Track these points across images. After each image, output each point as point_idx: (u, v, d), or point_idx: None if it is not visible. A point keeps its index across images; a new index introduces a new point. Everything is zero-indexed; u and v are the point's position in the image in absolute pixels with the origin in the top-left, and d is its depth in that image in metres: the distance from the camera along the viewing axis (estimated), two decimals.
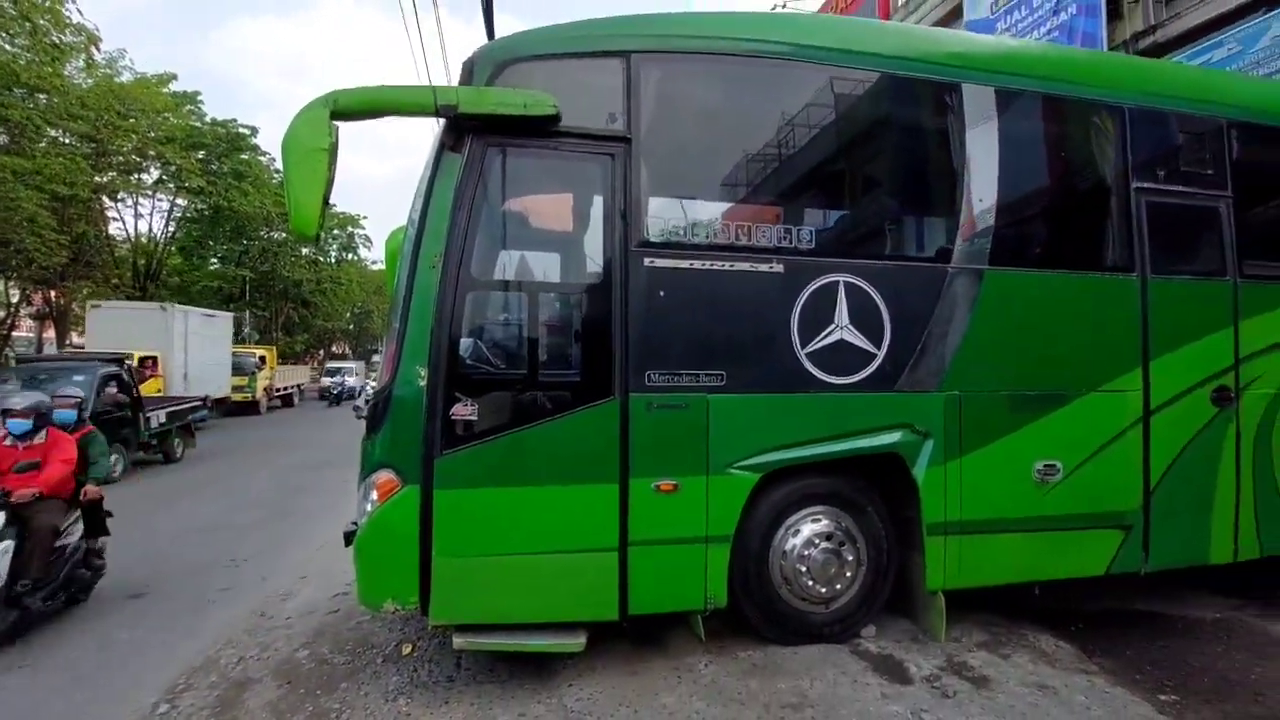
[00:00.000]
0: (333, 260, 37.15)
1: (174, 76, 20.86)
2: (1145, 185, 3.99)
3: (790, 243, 3.50)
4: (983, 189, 3.76)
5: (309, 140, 2.83)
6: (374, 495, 3.10)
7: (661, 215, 3.37)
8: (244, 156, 23.19)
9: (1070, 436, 3.78)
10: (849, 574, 3.58)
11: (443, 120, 3.22)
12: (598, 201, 3.34)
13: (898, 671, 3.36)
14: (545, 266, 3.45)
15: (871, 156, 4.00)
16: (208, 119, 21.87)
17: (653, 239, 3.31)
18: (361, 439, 3.48)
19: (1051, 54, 5.09)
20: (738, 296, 3.39)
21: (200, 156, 21.35)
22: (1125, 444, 3.85)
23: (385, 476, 3.09)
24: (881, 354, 3.54)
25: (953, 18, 13.35)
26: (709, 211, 3.52)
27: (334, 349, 46.90)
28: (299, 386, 26.39)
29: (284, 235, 29.72)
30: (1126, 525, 3.86)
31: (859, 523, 3.62)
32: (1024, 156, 3.97)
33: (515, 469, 3.14)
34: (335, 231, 35.88)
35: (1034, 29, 11.25)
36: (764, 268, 3.43)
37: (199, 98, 21.60)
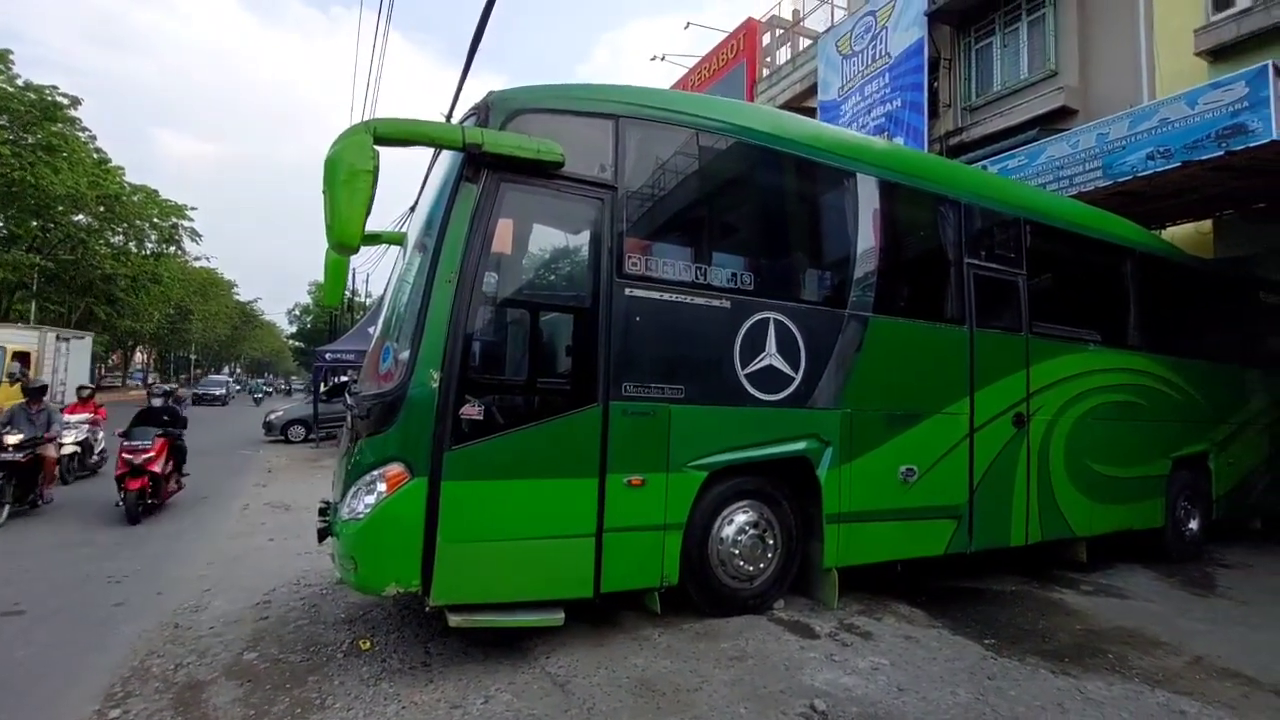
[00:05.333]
0: (149, 253, 32.48)
1: None
2: (973, 261, 5.35)
3: (735, 284, 4.29)
4: (869, 253, 4.85)
5: (355, 162, 3.10)
6: (381, 487, 3.34)
7: (638, 253, 4.00)
8: (57, 128, 19.89)
9: (923, 447, 4.93)
10: (770, 556, 4.37)
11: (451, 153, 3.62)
12: (588, 236, 3.89)
13: (806, 631, 4.19)
14: (543, 288, 3.89)
15: (794, 220, 4.96)
16: (20, 81, 18.53)
17: (631, 272, 3.93)
18: (352, 441, 3.67)
19: (917, 157, 6.53)
20: (696, 325, 4.10)
21: (2, 122, 18.02)
22: (958, 453, 5.09)
23: (396, 469, 3.35)
24: (799, 378, 4.43)
25: (808, 95, 15.59)
26: (675, 253, 4.19)
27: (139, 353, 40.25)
28: None
29: (92, 221, 25.79)
30: (958, 515, 5.08)
31: (776, 514, 4.44)
32: (896, 231, 5.16)
33: (513, 463, 3.54)
34: (156, 220, 31.46)
35: (868, 112, 13.62)
36: (716, 303, 4.18)
37: (10, 57, 18.27)
